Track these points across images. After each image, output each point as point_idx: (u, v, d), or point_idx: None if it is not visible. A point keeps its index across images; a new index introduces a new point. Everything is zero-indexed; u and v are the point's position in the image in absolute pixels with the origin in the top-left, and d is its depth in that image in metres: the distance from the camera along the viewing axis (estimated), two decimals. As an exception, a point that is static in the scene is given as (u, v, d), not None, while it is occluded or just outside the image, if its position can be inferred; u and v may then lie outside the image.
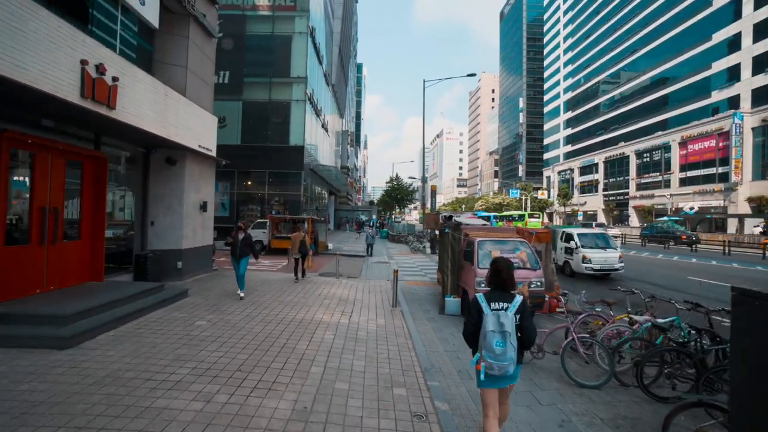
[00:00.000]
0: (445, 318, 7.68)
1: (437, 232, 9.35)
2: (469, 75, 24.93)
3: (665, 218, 40.56)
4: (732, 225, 39.58)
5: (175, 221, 9.45)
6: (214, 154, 10.98)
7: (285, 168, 23.54)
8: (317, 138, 28.69)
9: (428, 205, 23.52)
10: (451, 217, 9.43)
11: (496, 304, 2.93)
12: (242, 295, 8.30)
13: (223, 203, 23.95)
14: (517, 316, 2.91)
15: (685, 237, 28.70)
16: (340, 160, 47.05)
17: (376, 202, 65.28)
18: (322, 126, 30.73)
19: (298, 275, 11.51)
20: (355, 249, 22.57)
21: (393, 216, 48.67)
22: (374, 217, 42.60)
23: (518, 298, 2.97)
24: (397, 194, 48.30)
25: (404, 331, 6.57)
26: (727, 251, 23.45)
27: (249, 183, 24.28)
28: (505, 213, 48.20)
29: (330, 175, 30.68)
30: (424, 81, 24.89)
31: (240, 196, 23.94)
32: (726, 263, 18.66)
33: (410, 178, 26.30)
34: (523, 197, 57.54)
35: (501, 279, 3.05)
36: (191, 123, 9.36)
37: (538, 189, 71.16)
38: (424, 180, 24.71)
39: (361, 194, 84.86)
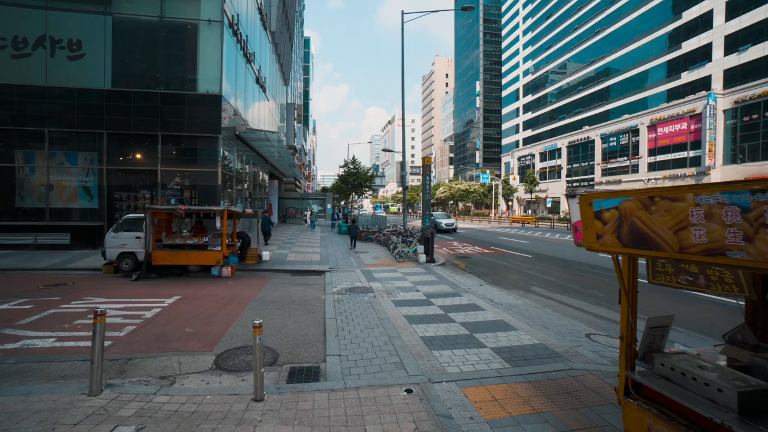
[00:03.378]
0: None
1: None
2: (464, 8, 17.47)
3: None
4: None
5: None
6: None
7: (190, 130, 14.38)
8: (248, 92, 19.59)
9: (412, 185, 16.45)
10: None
11: None
12: None
13: (86, 187, 14.26)
14: None
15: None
16: (286, 138, 37.67)
17: (329, 189, 56.32)
18: (257, 81, 21.54)
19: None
20: (306, 256, 14.33)
21: (351, 205, 40.37)
22: (329, 206, 34.08)
23: None
24: (354, 180, 40.07)
25: None
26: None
27: (136, 155, 14.76)
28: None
29: (268, 149, 21.71)
30: (402, 13, 16.96)
31: (116, 176, 14.38)
32: None
33: (385, 150, 18.21)
34: (494, 182, 52.17)
35: None
36: None
37: (498, 176, 66.84)
38: (403, 153, 16.95)
39: (311, 182, 75.21)
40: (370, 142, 39.90)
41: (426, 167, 13.73)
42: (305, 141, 66.64)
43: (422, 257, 13.21)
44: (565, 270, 12.64)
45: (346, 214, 25.05)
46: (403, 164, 17.56)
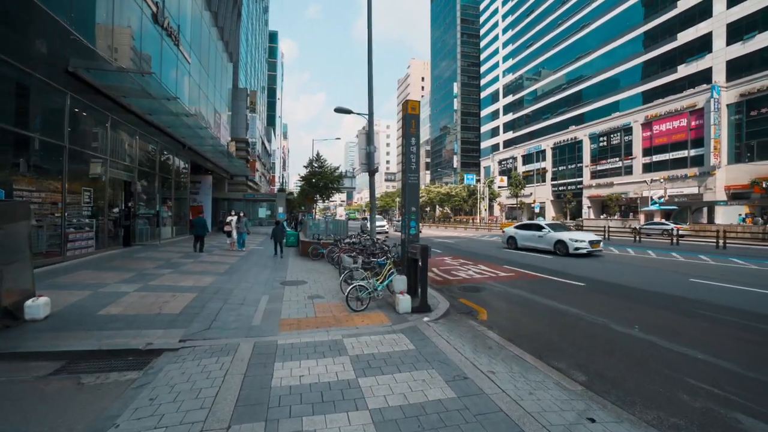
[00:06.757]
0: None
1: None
2: None
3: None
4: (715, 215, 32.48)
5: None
6: None
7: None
8: (123, 26, 12.11)
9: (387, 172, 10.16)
10: None
11: None
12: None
13: None
14: None
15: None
16: (231, 127, 30.01)
17: (294, 194, 48.37)
18: (155, 20, 14.10)
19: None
20: (160, 299, 6.84)
21: (325, 213, 32.78)
22: (281, 210, 26.44)
23: None
24: (319, 180, 32.79)
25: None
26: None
27: None
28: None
29: (174, 123, 14.15)
30: None
31: None
32: None
33: (339, 111, 11.49)
34: (479, 184, 46.19)
35: None
36: None
37: (478, 181, 61.33)
38: (371, 125, 10.04)
39: (275, 186, 66.95)
40: (338, 138, 33.35)
41: (410, 118, 6.80)
42: (268, 141, 58.68)
43: (403, 301, 6.17)
44: (690, 321, 5.97)
45: (297, 221, 17.64)
46: (369, 136, 10.59)
